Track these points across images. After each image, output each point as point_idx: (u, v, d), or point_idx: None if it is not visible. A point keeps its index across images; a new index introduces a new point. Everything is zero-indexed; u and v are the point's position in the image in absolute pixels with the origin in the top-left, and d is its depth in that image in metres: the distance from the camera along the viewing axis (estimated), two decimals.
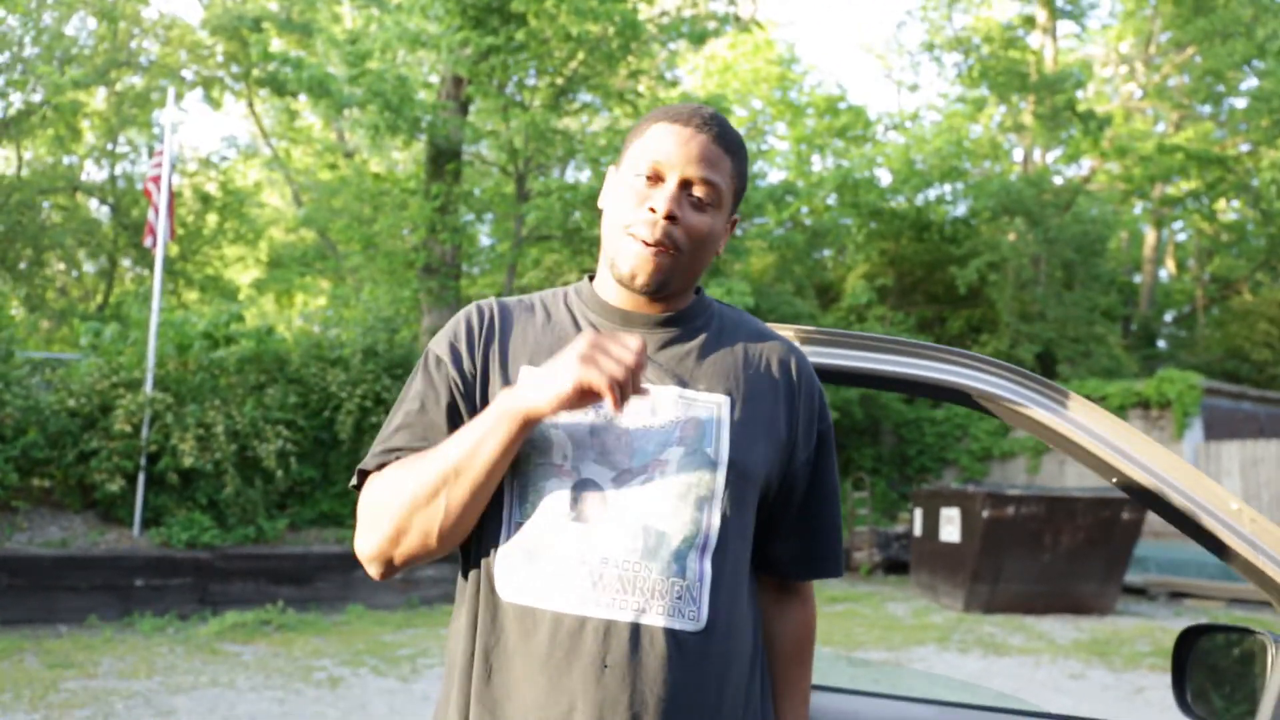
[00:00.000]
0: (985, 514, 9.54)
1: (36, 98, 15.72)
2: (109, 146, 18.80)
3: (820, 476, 1.34)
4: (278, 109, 20.92)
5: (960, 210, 19.86)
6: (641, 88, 15.19)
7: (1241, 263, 22.91)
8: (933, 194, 19.96)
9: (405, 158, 19.62)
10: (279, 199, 22.46)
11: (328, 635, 7.44)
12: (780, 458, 1.28)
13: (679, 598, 1.17)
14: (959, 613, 9.79)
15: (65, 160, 18.32)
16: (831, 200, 19.53)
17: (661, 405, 1.23)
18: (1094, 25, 23.86)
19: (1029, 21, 20.79)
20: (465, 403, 1.25)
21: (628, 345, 1.12)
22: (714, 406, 1.24)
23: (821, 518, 1.35)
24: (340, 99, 12.70)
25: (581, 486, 1.18)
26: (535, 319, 1.31)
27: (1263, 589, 1.28)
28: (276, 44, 16.23)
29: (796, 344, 1.40)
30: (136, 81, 18.35)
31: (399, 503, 1.18)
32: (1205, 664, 1.50)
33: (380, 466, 1.24)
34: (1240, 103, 20.63)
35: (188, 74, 18.78)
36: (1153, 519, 12.23)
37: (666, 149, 1.24)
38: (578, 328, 1.29)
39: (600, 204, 1.32)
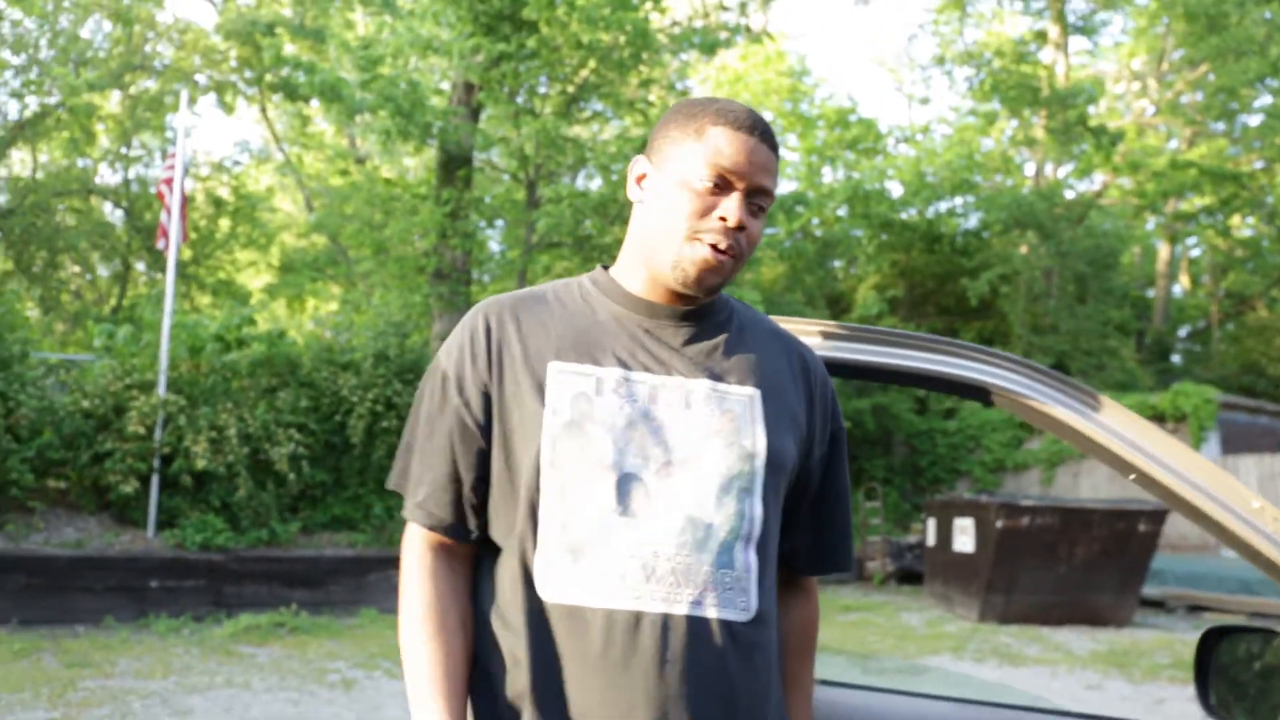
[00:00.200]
0: (999, 524, 9.50)
1: (52, 100, 15.78)
2: (123, 150, 18.87)
3: (834, 473, 1.36)
4: (290, 114, 20.99)
5: (971, 223, 19.86)
6: (652, 97, 15.22)
7: (1257, 279, 22.85)
8: (944, 206, 19.96)
9: (416, 164, 19.68)
10: (291, 204, 22.52)
11: (341, 638, 7.42)
12: (800, 452, 1.29)
13: (730, 589, 1.17)
14: (973, 623, 9.73)
15: (80, 163, 18.39)
16: (842, 211, 19.53)
17: (695, 399, 1.22)
18: (1106, 42, 23.95)
19: (1041, 37, 20.81)
20: (480, 419, 1.24)
21: None
22: (746, 400, 1.24)
23: (834, 514, 1.36)
24: (352, 104, 12.74)
25: (626, 481, 1.17)
26: (551, 310, 1.28)
27: None
28: (289, 49, 16.28)
29: (807, 344, 1.41)
30: (151, 85, 18.43)
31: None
32: (1228, 665, 1.48)
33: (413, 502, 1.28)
34: (1254, 120, 20.62)
35: (201, 78, 18.86)
36: (1170, 531, 12.17)
37: (735, 159, 1.21)
38: (610, 316, 1.28)
39: (633, 197, 1.30)
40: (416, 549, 1.27)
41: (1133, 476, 1.38)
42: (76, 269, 18.82)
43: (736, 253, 1.22)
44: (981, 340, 19.75)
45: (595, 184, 15.86)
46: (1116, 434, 1.38)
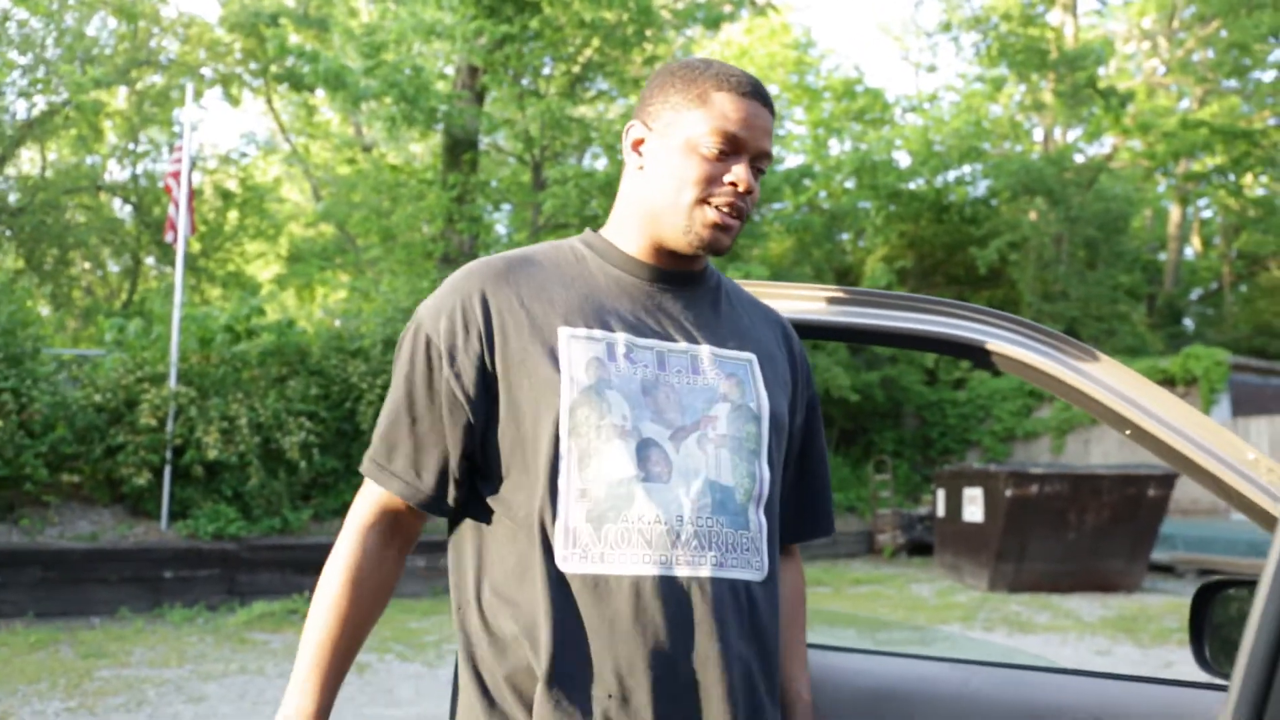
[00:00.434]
0: (1008, 493, 9.50)
1: (60, 98, 15.86)
2: (130, 146, 18.96)
3: (814, 439, 1.40)
4: (296, 104, 21.02)
5: (980, 191, 19.70)
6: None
7: (1269, 238, 22.56)
8: (952, 175, 19.81)
9: (422, 150, 19.67)
10: (298, 194, 22.59)
11: None
12: (790, 415, 1.33)
13: (747, 549, 1.19)
14: (984, 592, 9.75)
15: (88, 160, 18.48)
16: (850, 183, 19.42)
17: (701, 364, 1.24)
18: (1115, 1, 23.48)
19: None
20: (470, 392, 1.21)
21: None
22: (746, 364, 1.28)
23: (817, 480, 1.40)
24: (356, 91, 12.75)
25: (645, 446, 1.17)
26: (547, 273, 1.27)
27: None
28: (293, 39, 16.29)
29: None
30: (157, 80, 18.48)
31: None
32: (1222, 620, 1.49)
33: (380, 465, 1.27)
34: (1267, 76, 20.32)
35: (207, 71, 18.89)
36: (1180, 495, 12.13)
37: (741, 124, 1.23)
38: (608, 280, 1.28)
39: (632, 163, 1.29)
40: (362, 511, 1.26)
41: (1128, 432, 1.38)
42: (87, 265, 18.97)
43: (742, 215, 1.25)
44: (991, 308, 19.64)
45: (601, 164, 15.84)
46: (1109, 388, 1.39)
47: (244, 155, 20.74)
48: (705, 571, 1.15)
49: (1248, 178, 21.09)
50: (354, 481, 9.93)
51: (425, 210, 14.11)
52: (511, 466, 1.20)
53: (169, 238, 9.71)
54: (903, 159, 20.03)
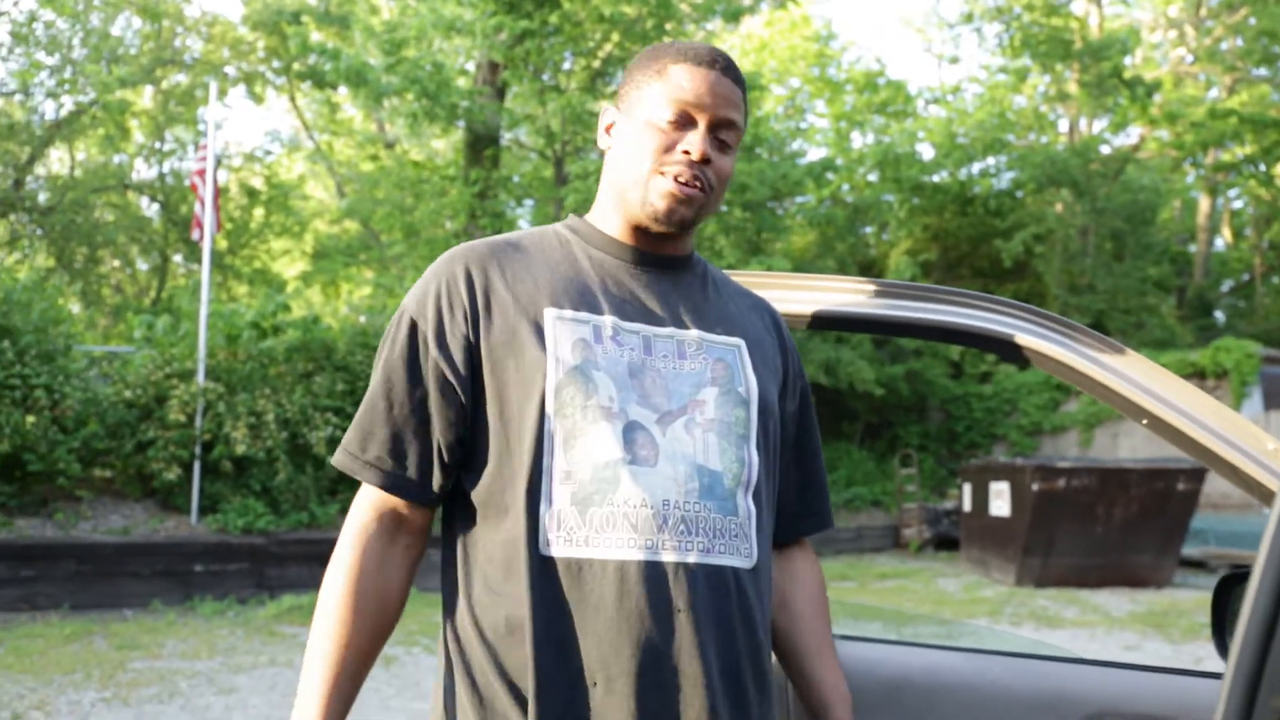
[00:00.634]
0: (1035, 487, 9.44)
1: (86, 99, 16.05)
2: (156, 145, 19.16)
3: (808, 428, 1.38)
4: (319, 102, 21.16)
5: (1004, 183, 19.53)
6: None
7: None
8: (976, 168, 19.65)
9: (445, 146, 19.75)
10: (322, 191, 22.74)
11: None
12: (781, 403, 1.31)
13: (735, 536, 1.17)
14: (1010, 587, 9.70)
15: (115, 159, 18.70)
16: (873, 177, 19.31)
17: (688, 348, 1.23)
18: None
19: None
20: (463, 371, 1.19)
21: None
22: (734, 349, 1.26)
23: (814, 470, 1.38)
24: (378, 88, 12.82)
25: (631, 429, 1.15)
26: (532, 256, 1.25)
27: None
28: (315, 37, 16.41)
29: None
30: (181, 79, 18.66)
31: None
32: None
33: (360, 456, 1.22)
34: None
35: (230, 70, 19.05)
36: (1211, 490, 11.99)
37: (695, 92, 1.22)
38: (594, 263, 1.26)
39: (603, 145, 1.30)
40: (357, 512, 1.21)
41: (1145, 421, 1.38)
42: (116, 263, 19.19)
43: (703, 186, 1.22)
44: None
45: None
46: (1131, 381, 1.38)
47: (268, 153, 20.92)
48: (692, 558, 1.13)
49: (1278, 167, 20.78)
50: None
51: (448, 206, 14.17)
52: (497, 450, 1.17)
53: (195, 235, 9.82)
54: (926, 151, 19.91)
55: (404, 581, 1.22)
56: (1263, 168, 20.09)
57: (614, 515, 1.12)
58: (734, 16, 14.91)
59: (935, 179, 19.28)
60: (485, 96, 13.53)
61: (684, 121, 1.23)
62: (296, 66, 18.35)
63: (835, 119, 21.65)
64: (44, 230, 16.57)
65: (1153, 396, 1.35)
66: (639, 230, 1.26)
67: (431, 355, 1.18)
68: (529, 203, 16.44)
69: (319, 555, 8.58)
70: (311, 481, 9.24)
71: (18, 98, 16.31)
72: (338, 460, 1.21)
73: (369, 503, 1.21)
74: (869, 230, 20.74)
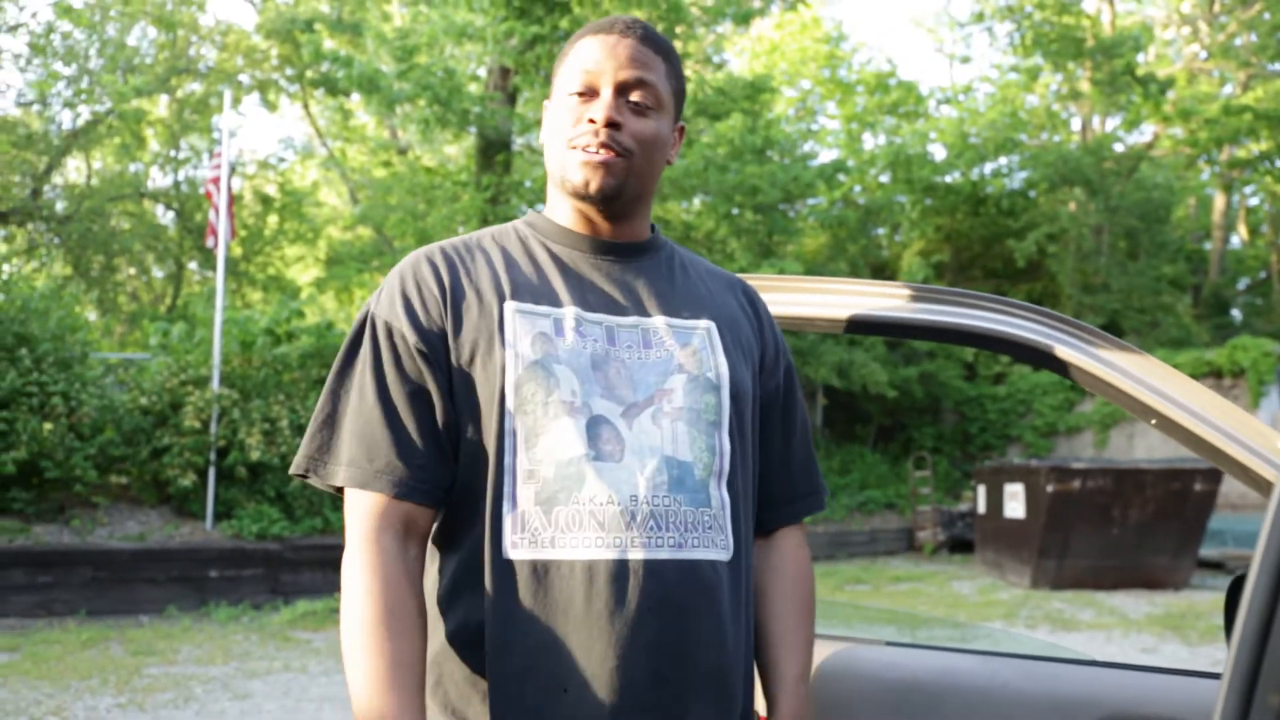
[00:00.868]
0: (1050, 489, 9.38)
1: (103, 108, 16.18)
2: (172, 153, 19.29)
3: (790, 409, 1.32)
4: (332, 109, 21.25)
5: (1016, 182, 19.45)
6: (688, 71, 15.14)
7: None
8: (988, 168, 19.57)
9: (457, 152, 19.81)
10: (336, 198, 22.85)
11: None
12: (757, 384, 1.27)
13: (709, 528, 1.13)
14: (1026, 590, 9.65)
15: (131, 168, 18.83)
16: (885, 178, 19.26)
17: (654, 336, 1.19)
18: None
19: None
20: (443, 366, 1.15)
21: None
22: (704, 332, 1.22)
23: (801, 451, 1.33)
24: (390, 95, 12.87)
25: (595, 423, 1.11)
26: (492, 253, 1.23)
27: None
28: (328, 44, 16.49)
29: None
30: (196, 88, 18.79)
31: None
32: None
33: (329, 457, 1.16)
34: None
35: (244, 78, 19.17)
36: (1229, 490, 11.90)
37: (595, 59, 1.20)
38: (552, 256, 1.23)
39: (541, 139, 1.28)
40: (368, 530, 1.11)
41: (1154, 421, 1.37)
42: (132, 271, 19.32)
43: (619, 151, 1.18)
44: (1030, 301, 19.38)
45: None
46: (1139, 380, 1.37)
47: (282, 160, 21.05)
48: (664, 554, 1.09)
49: None
50: None
51: (460, 212, 14.21)
52: (466, 450, 1.14)
53: (210, 243, 9.88)
54: (938, 152, 19.83)
55: (423, 588, 1.15)
56: (1278, 164, 19.94)
57: (580, 514, 1.08)
58: (744, 19, 14.91)
59: (947, 179, 19.21)
60: (497, 102, 13.57)
61: (589, 92, 1.20)
62: (310, 74, 18.44)
63: (846, 120, 21.60)
64: (61, 239, 16.69)
65: (1160, 395, 1.34)
66: (587, 217, 1.24)
67: (414, 353, 1.15)
68: (540, 207, 16.45)
69: (333, 561, 8.60)
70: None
71: (36, 108, 16.45)
72: (347, 479, 1.12)
73: (376, 515, 1.12)
74: (881, 232, 20.68)
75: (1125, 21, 21.43)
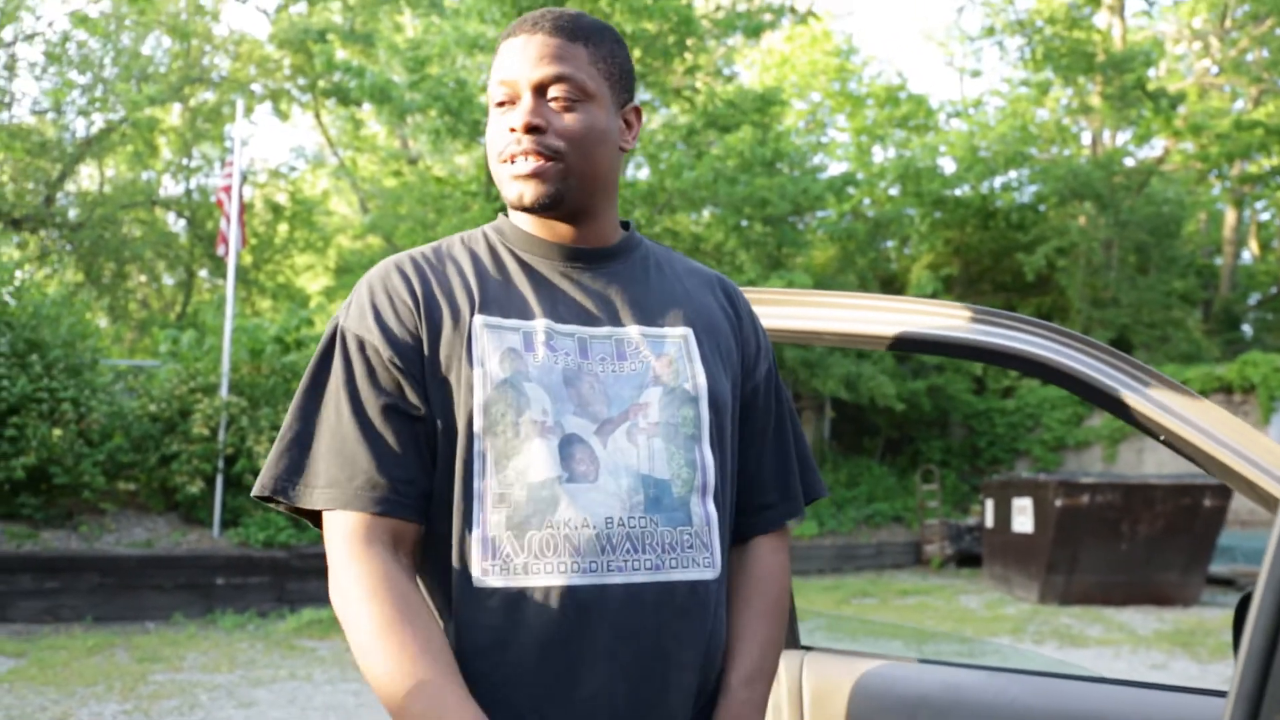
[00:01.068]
0: (1058, 503, 9.34)
1: (116, 116, 16.30)
2: (184, 161, 19.41)
3: (779, 402, 1.28)
4: (343, 119, 21.37)
5: (1026, 196, 19.43)
6: (698, 84, 15.18)
7: None
8: (998, 181, 19.56)
9: (467, 162, 19.88)
10: (346, 207, 22.94)
11: None
12: (737, 388, 1.22)
13: (690, 547, 1.09)
14: (1034, 604, 9.59)
15: (144, 176, 18.94)
16: (894, 190, 19.26)
17: (628, 347, 1.14)
18: (1165, 1, 23.06)
19: (1095, 1, 20.23)
20: (420, 378, 1.10)
21: None
22: (680, 341, 1.17)
23: (792, 450, 1.27)
24: (401, 105, 12.95)
25: (568, 443, 1.06)
26: (462, 262, 1.17)
27: None
28: (340, 54, 16.60)
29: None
30: (209, 97, 18.91)
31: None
32: None
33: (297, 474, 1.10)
34: None
35: (257, 88, 19.29)
36: (1239, 506, 11.83)
37: (508, 65, 1.14)
38: (521, 265, 1.17)
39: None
40: (354, 546, 1.05)
41: (1162, 437, 1.36)
42: (143, 278, 19.41)
43: (549, 155, 1.12)
44: (1040, 316, 19.34)
45: (643, 173, 15.88)
46: (1147, 397, 1.36)
47: (293, 169, 21.14)
48: (641, 577, 1.05)
49: None
50: None
51: (470, 221, 14.24)
52: (439, 473, 1.09)
53: (221, 251, 9.93)
54: (947, 165, 19.84)
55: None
56: None
57: (554, 538, 1.04)
58: (755, 32, 14.97)
59: (957, 193, 19.20)
60: None
61: (510, 100, 1.15)
62: (322, 84, 18.57)
63: (856, 133, 21.63)
64: (73, 246, 16.79)
65: (1168, 411, 1.34)
66: (548, 224, 1.18)
67: (388, 366, 1.09)
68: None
69: None
70: None
71: (50, 115, 16.58)
72: (325, 500, 1.06)
73: (361, 533, 1.06)
74: (890, 244, 20.67)
75: (1136, 36, 21.43)
